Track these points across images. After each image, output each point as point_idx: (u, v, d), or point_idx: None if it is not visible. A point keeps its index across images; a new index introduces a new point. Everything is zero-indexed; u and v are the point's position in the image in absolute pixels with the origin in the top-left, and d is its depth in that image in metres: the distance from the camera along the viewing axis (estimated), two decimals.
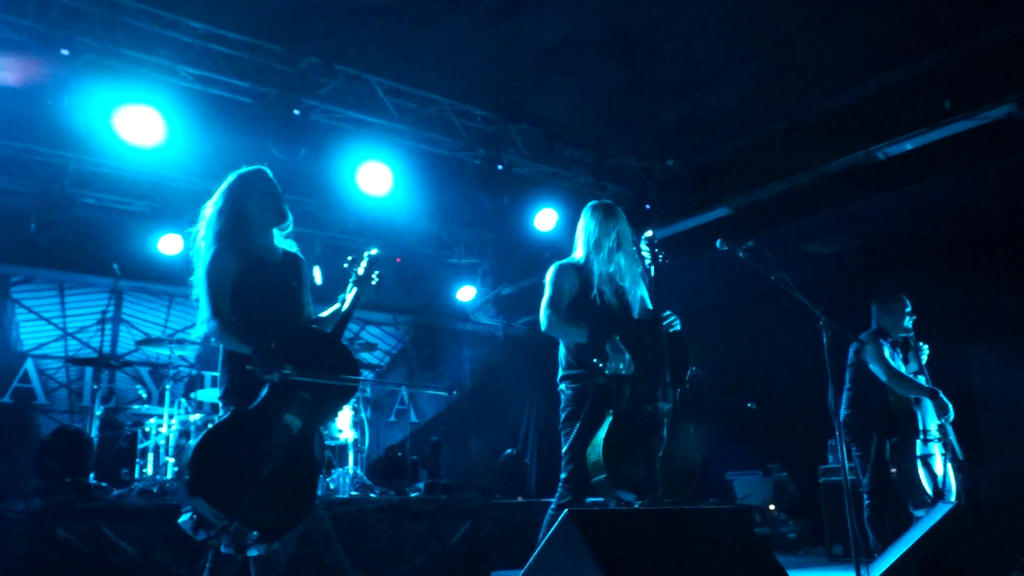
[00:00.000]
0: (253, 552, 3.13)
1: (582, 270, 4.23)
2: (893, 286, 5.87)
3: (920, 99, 6.70)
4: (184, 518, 3.08)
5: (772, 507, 8.93)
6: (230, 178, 3.69)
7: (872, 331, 5.60)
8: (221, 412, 3.45)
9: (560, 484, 4.01)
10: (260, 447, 3.12)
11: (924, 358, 5.67)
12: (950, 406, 5.37)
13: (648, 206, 8.58)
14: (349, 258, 3.76)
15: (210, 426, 3.17)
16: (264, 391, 3.24)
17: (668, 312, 4.07)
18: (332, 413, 3.39)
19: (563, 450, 4.01)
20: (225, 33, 6.44)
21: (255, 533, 3.04)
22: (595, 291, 4.14)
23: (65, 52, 5.80)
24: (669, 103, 7.41)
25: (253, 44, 6.57)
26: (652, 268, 4.20)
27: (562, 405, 4.12)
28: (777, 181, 7.72)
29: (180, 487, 3.15)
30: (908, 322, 5.64)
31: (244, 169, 3.72)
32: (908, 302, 5.66)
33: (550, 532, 2.70)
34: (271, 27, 6.44)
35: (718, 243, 4.26)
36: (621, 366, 3.83)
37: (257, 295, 3.49)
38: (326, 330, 3.57)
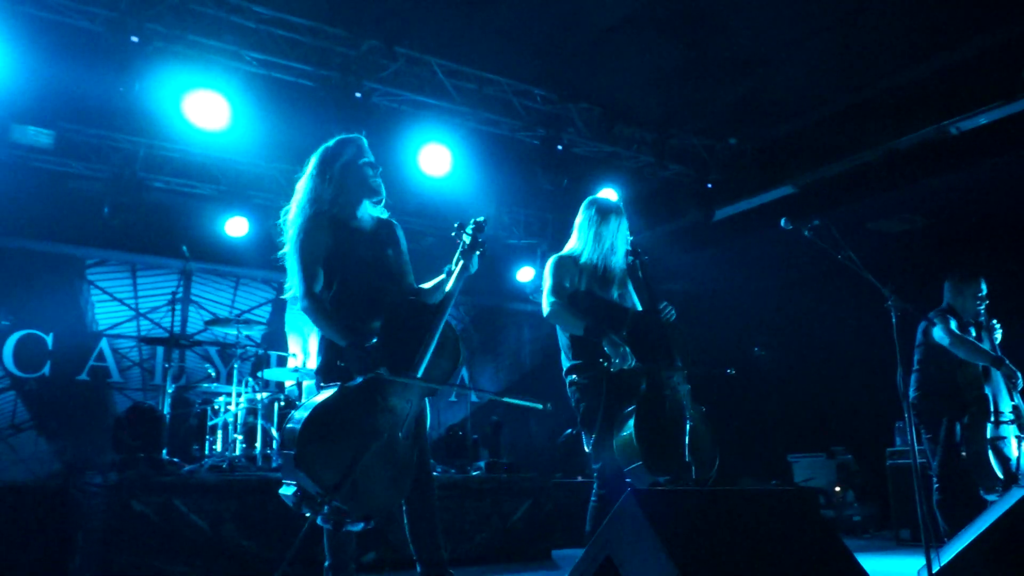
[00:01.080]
0: (352, 528, 3.09)
1: (578, 262, 4.23)
2: (968, 266, 5.69)
3: (995, 72, 6.46)
4: (287, 491, 3.06)
5: (838, 489, 8.80)
6: (325, 146, 3.58)
7: (941, 309, 5.45)
8: (316, 385, 3.39)
9: (595, 477, 4.02)
10: (365, 426, 3.07)
11: (997, 337, 5.50)
12: (1019, 375, 5.23)
13: (710, 185, 8.45)
14: (455, 225, 3.60)
15: (317, 401, 3.11)
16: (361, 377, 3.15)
17: (664, 303, 4.14)
18: (429, 384, 3.34)
19: (590, 444, 4.00)
20: (288, 17, 6.52)
21: (355, 510, 3.00)
22: (586, 285, 4.17)
23: (135, 39, 5.94)
24: (732, 80, 7.28)
25: (315, 28, 6.64)
26: (639, 267, 4.25)
27: (577, 397, 4.10)
28: (844, 158, 7.55)
29: (284, 460, 3.12)
30: (981, 307, 5.48)
31: (339, 137, 3.60)
32: (984, 285, 5.49)
33: (612, 512, 2.71)
34: (333, 11, 6.50)
35: (783, 222, 4.19)
36: (619, 361, 3.88)
37: (351, 268, 3.39)
38: (430, 302, 3.43)
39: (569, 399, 4.17)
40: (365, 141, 3.59)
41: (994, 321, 5.52)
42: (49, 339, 8.26)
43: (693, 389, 4.09)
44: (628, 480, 3.85)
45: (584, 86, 7.66)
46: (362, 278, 3.39)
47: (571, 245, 4.33)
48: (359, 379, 3.14)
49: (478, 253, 3.55)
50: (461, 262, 3.51)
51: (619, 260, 4.26)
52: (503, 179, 9.07)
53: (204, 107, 6.60)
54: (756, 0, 6.14)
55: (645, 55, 6.94)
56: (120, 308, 8.72)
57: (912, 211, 8.33)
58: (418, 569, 3.35)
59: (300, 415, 3.08)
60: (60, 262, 8.45)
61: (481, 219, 3.61)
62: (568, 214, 10.33)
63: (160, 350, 8.56)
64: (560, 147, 7.68)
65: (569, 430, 9.63)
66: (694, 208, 8.57)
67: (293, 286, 3.39)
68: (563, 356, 4.25)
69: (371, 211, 3.60)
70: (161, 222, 8.46)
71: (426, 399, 3.37)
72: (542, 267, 10.55)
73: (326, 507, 2.98)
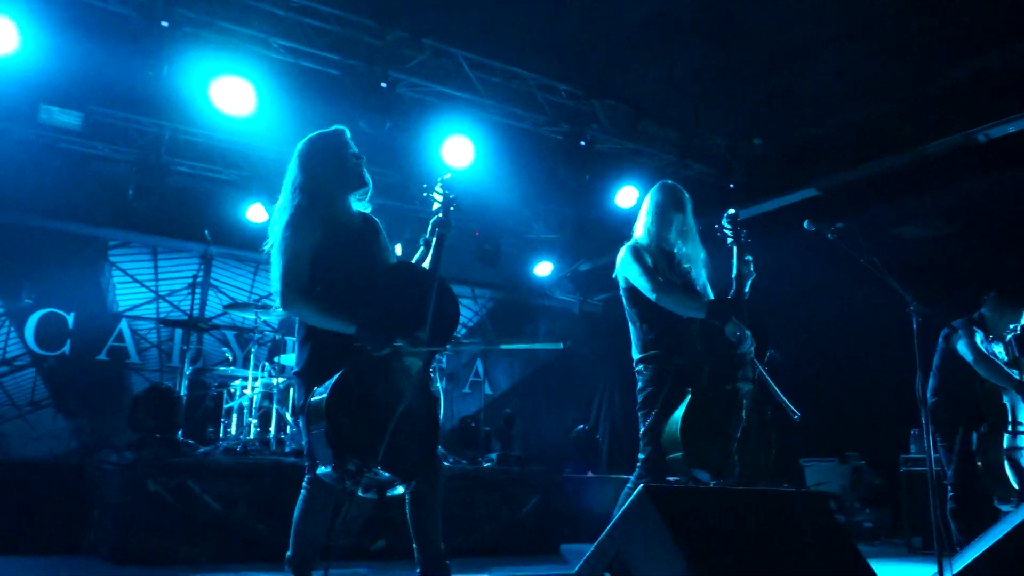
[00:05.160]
0: (394, 492, 3.14)
1: (650, 251, 4.21)
2: (1016, 285, 5.56)
3: None
4: (324, 469, 3.06)
5: (852, 495, 8.76)
6: (307, 139, 3.51)
7: (969, 319, 5.38)
8: (305, 389, 3.30)
9: (638, 464, 4.02)
10: (387, 391, 3.07)
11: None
12: None
13: (732, 185, 8.42)
14: (424, 186, 3.58)
15: (334, 378, 3.10)
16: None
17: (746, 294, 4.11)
18: (443, 346, 3.36)
19: (641, 431, 4.01)
20: (317, 6, 6.53)
21: (394, 476, 3.04)
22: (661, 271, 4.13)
23: (165, 24, 5.97)
24: (759, 81, 7.24)
25: (344, 17, 6.65)
26: (735, 247, 4.18)
27: (640, 386, 4.09)
28: (870, 163, 7.48)
29: (315, 439, 3.11)
30: (1010, 335, 5.40)
31: (322, 130, 3.52)
32: None
33: (624, 507, 2.72)
34: (361, 1, 6.52)
35: (806, 224, 4.17)
36: (739, 344, 3.86)
37: (341, 263, 3.32)
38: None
39: (636, 385, 4.14)
40: (348, 133, 3.53)
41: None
42: (70, 318, 8.34)
43: None
44: (667, 477, 3.84)
45: (610, 83, 7.64)
46: (351, 273, 3.31)
47: (637, 233, 4.31)
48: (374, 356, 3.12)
49: (452, 208, 3.55)
50: (437, 220, 3.52)
51: (693, 245, 4.29)
52: (524, 173, 9.06)
53: (230, 93, 6.62)
54: (784, 2, 6.10)
55: (671, 54, 6.91)
56: (140, 290, 8.79)
57: (937, 217, 8.27)
58: (416, 558, 3.35)
59: (322, 392, 3.08)
60: (83, 243, 8.52)
61: (448, 176, 3.63)
62: (588, 210, 10.35)
63: (179, 332, 8.63)
64: (583, 143, 7.66)
65: (581, 425, 9.63)
66: (715, 208, 8.53)
67: (273, 283, 3.30)
68: (634, 349, 4.20)
69: (356, 205, 3.55)
70: (183, 206, 8.51)
71: (439, 388, 3.39)
72: (560, 262, 10.64)
73: (365, 477, 2.99)
